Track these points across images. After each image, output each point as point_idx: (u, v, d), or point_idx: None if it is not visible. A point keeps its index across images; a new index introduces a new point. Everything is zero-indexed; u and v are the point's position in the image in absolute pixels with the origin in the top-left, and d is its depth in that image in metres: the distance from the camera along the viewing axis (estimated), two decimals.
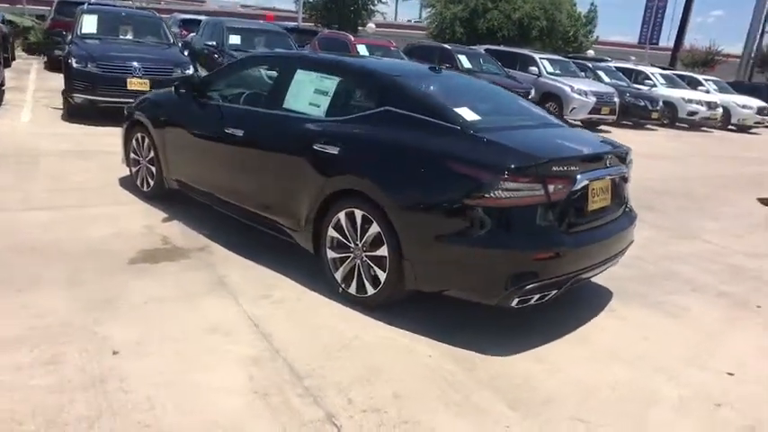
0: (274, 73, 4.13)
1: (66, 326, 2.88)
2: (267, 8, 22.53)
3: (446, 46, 14.65)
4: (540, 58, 15.11)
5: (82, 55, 8.04)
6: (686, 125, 17.08)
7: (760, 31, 30.95)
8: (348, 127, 3.40)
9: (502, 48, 16.88)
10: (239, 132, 3.94)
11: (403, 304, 3.30)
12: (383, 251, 3.17)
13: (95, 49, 8.32)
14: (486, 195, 2.80)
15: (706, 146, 14.15)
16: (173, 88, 4.55)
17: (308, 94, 3.71)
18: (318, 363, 2.74)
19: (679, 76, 19.38)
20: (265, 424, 2.28)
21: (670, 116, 16.78)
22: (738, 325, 3.68)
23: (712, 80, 19.72)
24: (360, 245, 3.29)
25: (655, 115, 15.79)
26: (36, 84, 11.92)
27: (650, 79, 17.77)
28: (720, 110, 17.26)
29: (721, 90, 19.11)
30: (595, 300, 3.77)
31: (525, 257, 2.85)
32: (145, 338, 2.83)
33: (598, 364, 2.98)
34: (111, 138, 7.31)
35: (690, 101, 16.83)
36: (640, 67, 18.93)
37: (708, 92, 18.43)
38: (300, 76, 3.80)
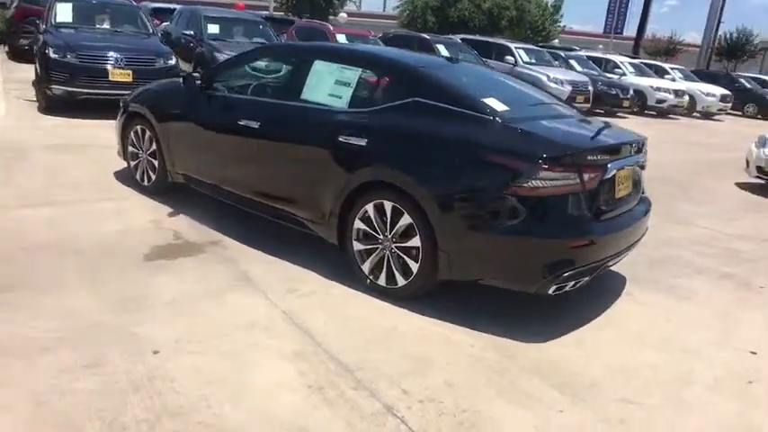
0: (288, 64, 4.07)
1: (101, 326, 2.80)
2: None
3: (424, 35, 14.66)
4: (516, 48, 15.28)
5: (59, 45, 7.73)
6: (654, 113, 17.54)
7: (716, 21, 31.97)
8: (375, 118, 3.38)
9: (477, 37, 16.99)
10: (254, 124, 3.87)
11: (431, 294, 3.32)
12: (415, 242, 3.18)
13: (73, 38, 8.01)
14: (525, 185, 2.84)
15: (675, 132, 14.57)
16: (181, 80, 4.42)
17: (328, 86, 3.67)
18: (363, 355, 2.74)
19: (646, 64, 19.86)
20: (326, 418, 2.28)
21: (640, 104, 17.20)
22: (747, 305, 3.83)
23: (678, 69, 20.30)
24: (389, 236, 3.29)
25: (626, 103, 16.16)
26: (2, 75, 11.42)
27: (620, 68, 18.18)
28: (687, 98, 17.77)
29: (686, 78, 19.70)
30: (612, 285, 3.86)
31: (562, 245, 2.90)
32: (183, 336, 2.78)
33: (630, 348, 3.07)
34: (95, 129, 7.12)
35: (658, 89, 17.29)
36: (609, 56, 19.34)
37: (674, 80, 18.97)
38: (319, 66, 3.75)
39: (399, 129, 3.26)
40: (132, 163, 5.06)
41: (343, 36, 12.55)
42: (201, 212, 4.49)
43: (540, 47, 17.31)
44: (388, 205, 3.26)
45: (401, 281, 3.29)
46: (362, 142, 3.33)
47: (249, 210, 4.13)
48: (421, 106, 3.27)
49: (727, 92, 19.17)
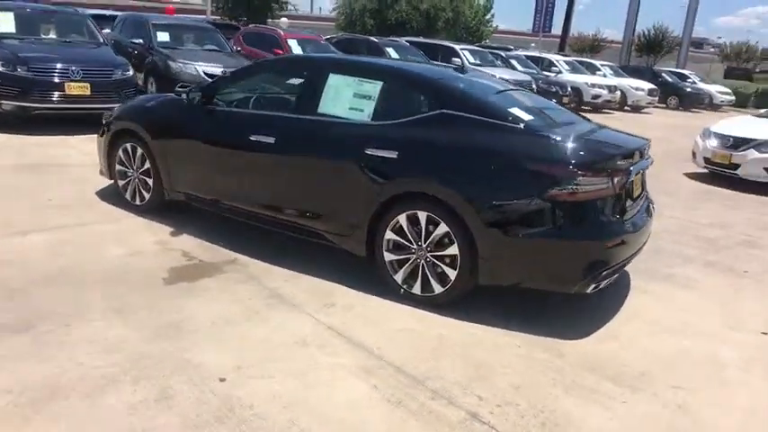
0: (298, 77, 4.04)
1: (152, 356, 2.70)
2: (169, 1, 21.14)
3: (372, 39, 14.75)
4: (462, 49, 15.68)
5: (7, 57, 7.26)
6: (590, 108, 18.44)
7: (635, 18, 33.95)
8: (403, 131, 3.43)
9: (423, 40, 17.28)
10: (269, 139, 3.82)
11: (465, 299, 3.41)
12: (452, 250, 3.25)
13: (22, 50, 7.53)
14: (564, 190, 2.98)
15: (615, 126, 15.36)
16: (184, 95, 4.29)
17: (347, 99, 3.68)
18: (425, 365, 2.79)
19: (579, 62, 20.84)
20: (419, 430, 2.32)
21: (576, 100, 18.03)
22: (740, 289, 4.17)
23: (607, 65, 21.41)
24: (423, 245, 3.35)
25: (565, 100, 16.86)
26: None
27: (556, 66, 19.03)
28: (619, 93, 18.81)
29: (615, 74, 20.82)
30: (619, 277, 4.10)
31: (601, 246, 3.08)
32: (241, 361, 2.73)
33: (659, 336, 3.29)
34: (60, 149, 6.76)
35: (593, 85, 18.19)
36: (546, 55, 20.16)
37: (605, 76, 20.02)
38: (335, 80, 3.75)
39: (431, 140, 3.33)
40: (121, 182, 4.85)
41: (295, 41, 12.45)
42: (204, 231, 4.39)
43: (483, 47, 17.80)
44: (422, 215, 3.32)
45: (438, 288, 3.36)
46: (393, 154, 3.37)
47: (261, 225, 4.09)
48: (450, 118, 3.35)
49: (653, 86, 20.42)
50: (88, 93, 7.49)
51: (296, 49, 12.24)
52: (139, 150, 4.60)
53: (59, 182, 5.43)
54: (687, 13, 31.43)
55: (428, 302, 3.40)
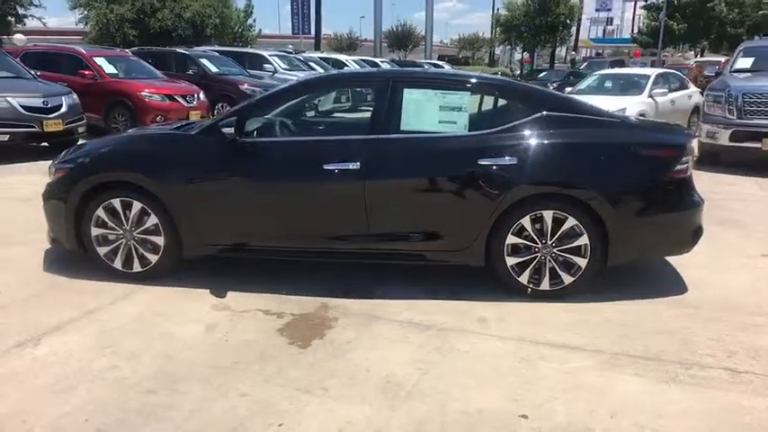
0: (359, 95, 3.73)
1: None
2: None
3: (182, 50, 13.50)
4: (271, 56, 15.39)
5: None
6: None
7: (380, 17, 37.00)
8: (513, 137, 3.47)
9: (231, 49, 16.53)
10: (351, 166, 3.48)
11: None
12: (581, 241, 3.45)
13: None
14: (677, 169, 3.45)
15: None
16: (210, 129, 3.59)
17: (433, 113, 3.56)
18: (641, 343, 3.00)
19: (365, 61, 22.09)
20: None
21: None
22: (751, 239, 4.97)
23: (387, 61, 23.12)
24: (549, 242, 3.49)
25: None
26: None
27: (347, 65, 19.89)
28: None
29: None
30: None
31: (701, 211, 3.61)
32: (519, 398, 2.55)
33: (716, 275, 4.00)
34: None
35: None
36: (335, 56, 20.91)
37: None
38: (413, 95, 3.58)
39: (545, 142, 3.45)
40: (102, 249, 3.82)
41: (104, 59, 10.80)
42: (241, 282, 3.76)
43: (288, 53, 17.70)
44: (547, 214, 3.45)
45: (568, 279, 3.53)
46: (512, 161, 3.41)
47: (342, 261, 3.73)
48: (553, 118, 3.52)
49: None
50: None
51: (107, 68, 10.64)
52: (137, 205, 3.71)
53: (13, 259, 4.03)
54: (426, 9, 35.43)
55: (556, 295, 3.56)
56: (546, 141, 3.47)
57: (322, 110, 4.10)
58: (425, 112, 3.57)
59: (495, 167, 3.42)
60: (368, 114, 3.71)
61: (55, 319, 3.29)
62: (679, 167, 3.45)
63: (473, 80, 3.86)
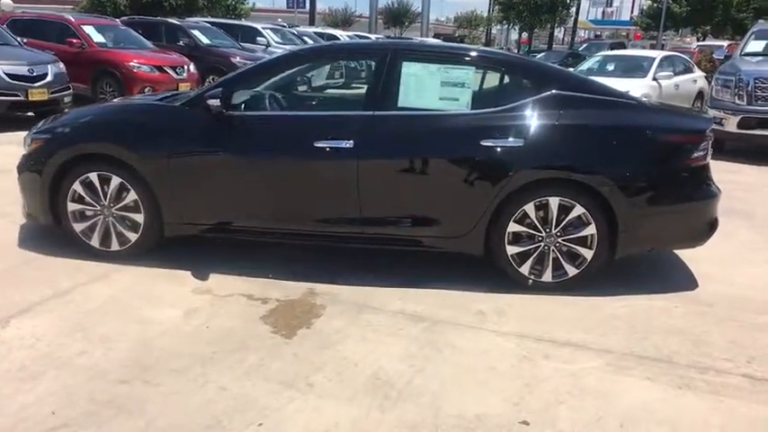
0: (355, 69, 3.47)
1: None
2: None
3: (173, 21, 13.08)
4: (264, 28, 15.00)
5: None
6: None
7: None
8: (519, 116, 3.24)
9: (224, 21, 16.08)
10: (344, 144, 3.24)
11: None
12: (588, 231, 3.25)
13: None
14: (696, 156, 3.23)
15: None
16: (194, 101, 3.33)
17: (433, 89, 3.32)
18: (649, 342, 2.82)
19: (359, 36, 21.62)
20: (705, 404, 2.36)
21: None
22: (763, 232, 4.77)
23: (381, 38, 22.62)
24: (553, 231, 3.28)
25: None
26: None
27: (338, 38, 19.45)
28: None
29: None
30: None
31: (717, 202, 3.40)
32: (520, 401, 2.36)
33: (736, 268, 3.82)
34: None
35: None
36: (329, 30, 20.43)
37: None
38: (412, 69, 3.32)
39: (554, 123, 3.21)
40: (79, 226, 3.59)
41: (92, 27, 10.40)
42: (224, 264, 3.55)
43: (282, 26, 17.26)
44: (553, 201, 3.23)
45: (572, 270, 3.33)
46: (518, 143, 3.18)
47: (332, 245, 3.51)
48: (564, 98, 3.27)
49: None
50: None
51: (96, 37, 10.26)
52: (116, 180, 3.47)
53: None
54: None
55: (559, 287, 3.36)
56: (555, 123, 3.23)
57: (314, 86, 3.83)
58: (425, 88, 3.33)
59: (498, 149, 3.19)
60: (363, 90, 3.46)
61: (25, 299, 3.07)
62: (697, 154, 3.23)
63: (478, 54, 3.59)
